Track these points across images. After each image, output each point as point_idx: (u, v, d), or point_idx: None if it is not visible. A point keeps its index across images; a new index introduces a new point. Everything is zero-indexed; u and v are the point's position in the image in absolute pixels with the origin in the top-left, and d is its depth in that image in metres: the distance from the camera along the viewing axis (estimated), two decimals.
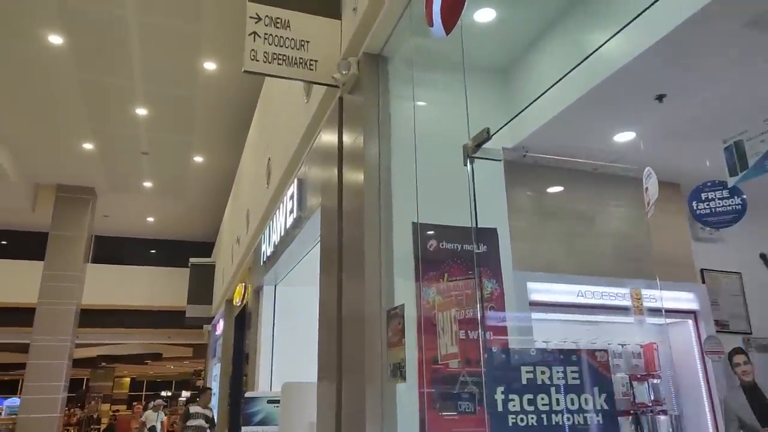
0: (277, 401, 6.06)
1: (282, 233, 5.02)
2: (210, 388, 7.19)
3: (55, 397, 11.51)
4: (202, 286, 14.56)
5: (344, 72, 3.18)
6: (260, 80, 8.12)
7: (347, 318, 3.01)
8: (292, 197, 4.67)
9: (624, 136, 3.22)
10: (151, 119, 10.60)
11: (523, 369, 1.75)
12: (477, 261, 2.95)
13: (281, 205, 5.19)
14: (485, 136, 1.95)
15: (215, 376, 12.93)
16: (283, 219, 5.01)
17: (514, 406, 1.71)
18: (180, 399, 30.64)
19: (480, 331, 2.01)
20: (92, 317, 15.51)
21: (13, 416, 15.03)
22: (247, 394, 6.10)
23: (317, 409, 3.35)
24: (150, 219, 16.61)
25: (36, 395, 11.32)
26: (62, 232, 12.94)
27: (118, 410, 26.59)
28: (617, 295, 3.33)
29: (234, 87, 9.41)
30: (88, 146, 11.56)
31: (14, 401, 21.04)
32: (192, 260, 14.77)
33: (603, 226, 3.47)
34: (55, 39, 8.04)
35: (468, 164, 2.03)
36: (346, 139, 3.35)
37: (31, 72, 8.87)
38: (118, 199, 14.70)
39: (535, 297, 3.09)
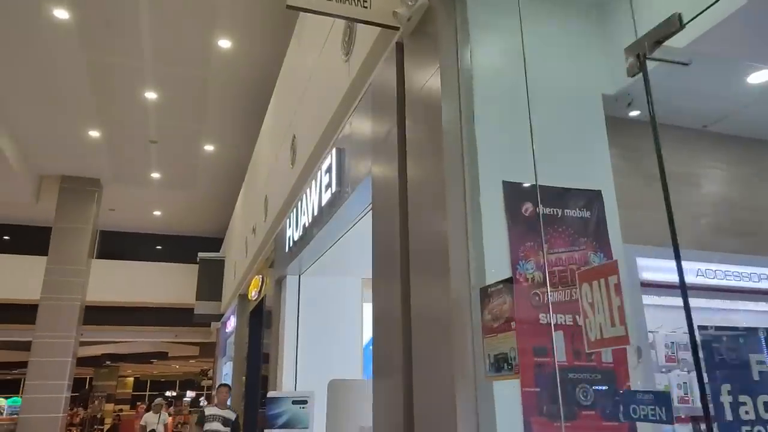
0: (304, 401, 5.51)
1: (315, 213, 4.46)
2: (227, 385, 6.50)
3: (58, 397, 10.99)
4: (211, 282, 14.04)
5: (411, 2, 2.61)
6: (279, 57, 7.58)
7: (419, 302, 2.44)
8: (329, 170, 4.11)
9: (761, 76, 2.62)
10: (161, 104, 10.05)
11: (754, 359, 1.17)
12: (581, 230, 2.38)
13: (313, 182, 4.63)
14: (675, 25, 1.37)
15: (225, 376, 12.37)
16: (316, 197, 4.44)
17: (746, 413, 1.14)
18: (185, 399, 30.14)
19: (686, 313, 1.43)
20: (97, 314, 14.98)
21: (14, 416, 14.51)
22: (270, 394, 5.54)
23: (374, 410, 2.78)
24: (157, 213, 16.07)
25: (38, 394, 10.79)
26: (66, 225, 12.40)
27: (121, 410, 26.06)
28: (751, 275, 2.76)
29: (250, 67, 8.86)
30: (94, 134, 11.02)
31: (15, 401, 20.54)
32: (201, 255, 14.24)
33: (724, 193, 2.91)
34: (61, 13, 7.50)
35: (640, 70, 1.45)
36: (411, 91, 2.78)
37: (34, 51, 8.33)
38: (124, 191, 14.16)
39: (645, 276, 2.53)
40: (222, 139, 11.53)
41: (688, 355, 2.90)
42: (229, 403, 6.47)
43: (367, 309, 6.51)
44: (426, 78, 2.60)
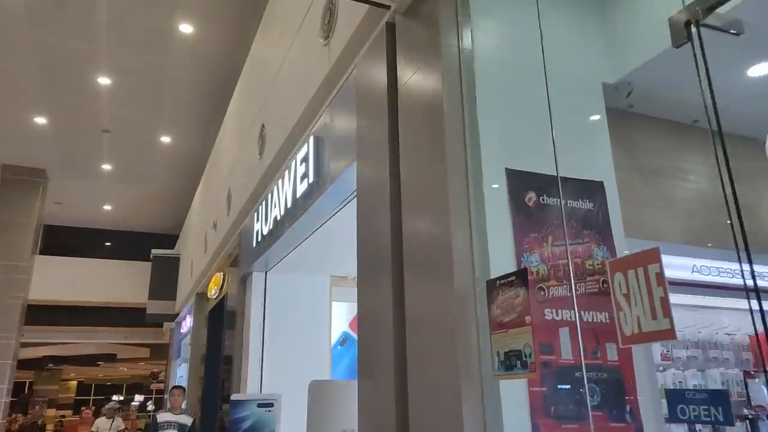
0: (270, 404, 5.25)
1: (288, 205, 4.23)
2: (180, 387, 6.01)
3: None
4: (165, 281, 13.46)
5: None
6: (244, 43, 7.26)
7: (415, 298, 2.28)
8: (305, 160, 3.89)
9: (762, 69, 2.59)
10: (115, 91, 9.52)
11: None
12: (583, 222, 2.27)
13: (286, 173, 4.40)
14: None
15: (180, 378, 11.86)
16: (290, 188, 4.22)
17: None
18: (133, 404, 28.95)
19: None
20: (40, 314, 14.14)
21: None
22: (234, 397, 5.25)
23: (360, 412, 2.60)
24: (107, 207, 15.30)
25: None
26: (8, 219, 11.60)
27: (64, 416, 24.77)
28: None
29: (212, 54, 8.48)
30: (40, 121, 10.34)
31: None
32: (154, 252, 13.64)
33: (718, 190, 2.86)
34: None
35: (688, 40, 1.33)
36: (404, 75, 2.62)
37: None
38: (72, 183, 13.40)
39: None
40: (179, 130, 11.04)
41: (683, 354, 2.86)
42: (184, 406, 6.07)
43: (336, 308, 6.31)
44: (422, 61, 2.44)
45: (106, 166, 12.57)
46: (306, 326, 5.84)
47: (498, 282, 1.89)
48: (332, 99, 3.63)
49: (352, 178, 3.38)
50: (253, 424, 5.23)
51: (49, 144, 11.21)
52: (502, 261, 2.10)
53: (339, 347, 6.36)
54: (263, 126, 5.37)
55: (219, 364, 7.53)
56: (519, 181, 2.21)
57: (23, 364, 19.68)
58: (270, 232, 4.82)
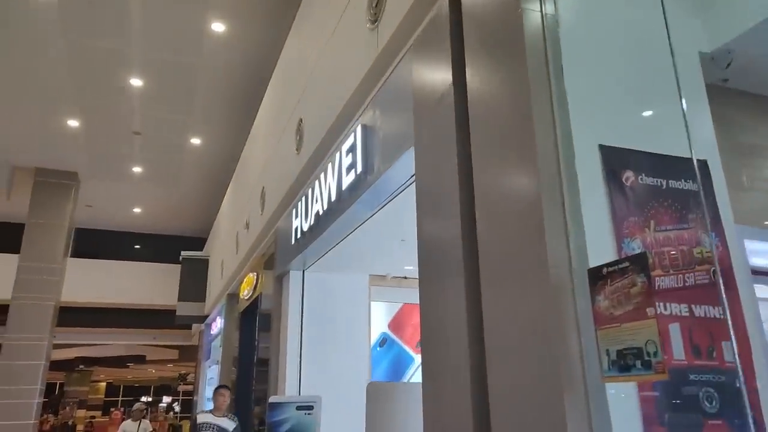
0: (309, 407, 5.06)
1: (333, 198, 4.03)
2: (226, 387, 5.57)
3: (29, 402, 10.28)
4: (194, 283, 13.44)
5: None
6: (277, 42, 7.14)
7: (494, 290, 2.05)
8: (351, 150, 3.70)
9: None
10: (147, 92, 9.49)
11: None
12: (688, 206, 2.02)
13: (329, 165, 4.21)
14: None
15: (210, 380, 11.79)
16: (334, 181, 4.02)
17: None
18: (161, 405, 29.20)
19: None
20: (72, 315, 14.27)
21: None
22: (272, 399, 5.07)
23: (425, 421, 2.37)
24: (137, 210, 15.39)
25: (8, 399, 10.06)
26: (41, 221, 11.69)
27: (94, 417, 25.06)
28: None
29: (244, 53, 8.37)
30: (72, 123, 10.39)
31: None
32: (184, 254, 13.64)
33: None
34: None
35: None
36: (474, 46, 2.40)
37: (9, 31, 7.71)
38: (102, 186, 13.48)
39: (754, 262, 2.19)
40: (210, 131, 10.99)
41: None
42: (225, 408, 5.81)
43: (375, 308, 6.11)
44: (498, 28, 2.21)
45: (137, 169, 12.60)
46: (345, 326, 5.64)
47: (605, 270, 1.65)
48: (383, 83, 3.43)
49: (405, 166, 3.17)
50: (292, 428, 5.04)
51: (81, 146, 11.27)
52: (599, 249, 1.86)
53: (378, 348, 6.16)
54: (301, 120, 5.20)
55: (252, 365, 7.38)
56: (615, 159, 1.97)
57: (54, 365, 19.95)
58: (310, 228, 4.64)
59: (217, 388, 5.31)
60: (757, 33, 2.23)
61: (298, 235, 4.95)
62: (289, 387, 5.33)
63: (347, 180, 3.75)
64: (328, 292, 5.70)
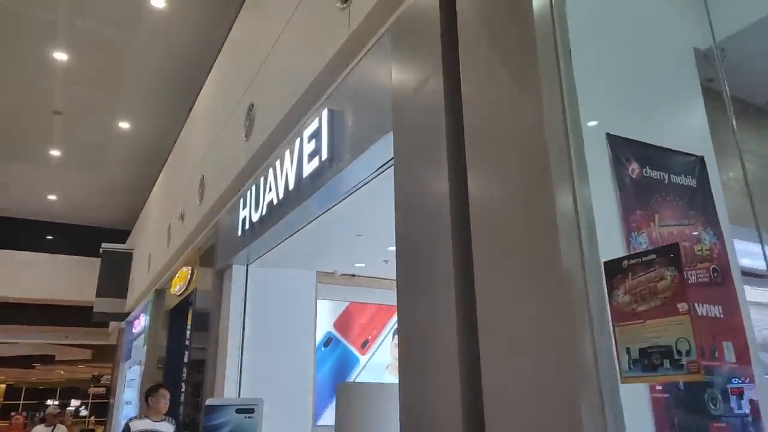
0: (250, 410, 4.74)
1: (291, 187, 3.77)
2: (162, 386, 4.90)
3: None
4: (115, 277, 12.52)
5: None
6: (224, 24, 6.71)
7: (490, 279, 1.90)
8: (315, 135, 3.46)
9: None
10: (72, 68, 8.71)
11: None
12: (688, 202, 1.97)
13: (287, 152, 3.94)
14: None
15: (130, 381, 11.00)
16: (293, 168, 3.76)
17: None
18: (68, 408, 27.14)
19: None
20: None
21: None
22: (209, 402, 4.72)
23: (401, 423, 2.19)
24: (51, 197, 14.16)
25: None
26: None
27: None
28: None
29: (185, 33, 7.85)
30: None
31: None
32: (104, 246, 12.67)
33: None
34: None
35: None
36: (467, 19, 2.25)
37: None
38: (14, 168, 12.28)
39: (744, 262, 2.18)
40: (140, 115, 10.27)
41: None
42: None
43: (320, 306, 5.85)
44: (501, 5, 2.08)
45: (55, 152, 11.59)
46: (290, 325, 5.36)
47: (626, 262, 1.54)
48: (354, 67, 3.22)
49: (378, 154, 2.99)
50: None
51: None
52: (607, 241, 1.76)
53: (323, 348, 5.91)
54: (252, 105, 4.88)
55: (182, 365, 6.89)
56: (622, 150, 1.88)
57: None
58: (261, 219, 4.34)
59: (153, 389, 4.74)
60: (748, 34, 2.24)
61: (246, 227, 4.62)
62: (228, 389, 4.98)
63: (309, 168, 3.51)
64: (273, 288, 5.39)
